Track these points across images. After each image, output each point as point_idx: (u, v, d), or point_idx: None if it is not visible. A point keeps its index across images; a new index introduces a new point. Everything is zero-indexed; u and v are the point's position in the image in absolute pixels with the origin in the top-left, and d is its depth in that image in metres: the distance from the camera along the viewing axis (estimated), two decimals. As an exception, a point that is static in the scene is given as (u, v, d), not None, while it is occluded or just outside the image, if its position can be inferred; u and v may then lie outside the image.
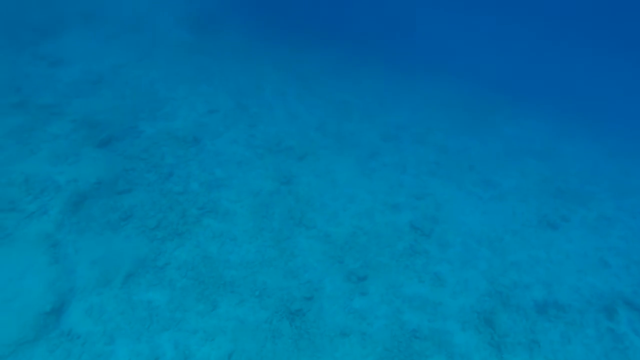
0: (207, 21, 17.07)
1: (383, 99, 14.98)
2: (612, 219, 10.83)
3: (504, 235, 9.43)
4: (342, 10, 25.92)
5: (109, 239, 7.45)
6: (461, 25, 29.24)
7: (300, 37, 19.32)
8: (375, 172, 10.81)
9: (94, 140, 9.35)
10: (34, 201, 7.46)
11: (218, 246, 7.80)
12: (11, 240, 6.59)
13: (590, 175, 12.87)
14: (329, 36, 20.89)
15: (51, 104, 10.06)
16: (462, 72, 20.17)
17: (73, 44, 12.96)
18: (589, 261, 9.09)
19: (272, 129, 11.37)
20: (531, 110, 16.75)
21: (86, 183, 8.21)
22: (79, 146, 9.04)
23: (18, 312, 5.70)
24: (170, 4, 17.41)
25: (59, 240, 6.90)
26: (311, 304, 6.96)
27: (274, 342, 6.18)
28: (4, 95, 9.96)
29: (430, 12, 29.48)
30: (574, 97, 20.08)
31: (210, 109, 11.35)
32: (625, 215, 11.10)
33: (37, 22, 13.18)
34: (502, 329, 6.97)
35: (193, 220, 8.29)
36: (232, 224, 8.42)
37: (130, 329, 5.98)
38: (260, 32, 17.93)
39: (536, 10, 34.40)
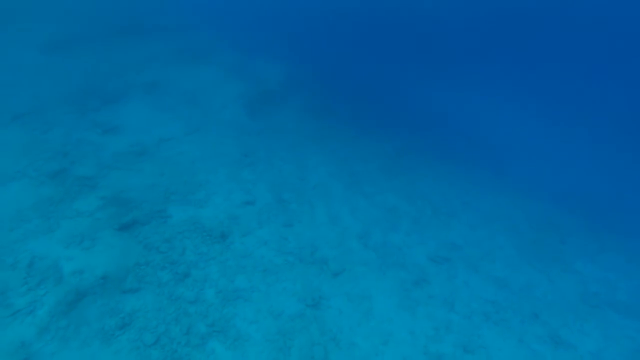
0: (264, 101, 17.38)
1: (437, 208, 13.74)
2: None
3: None
4: (400, 97, 26.09)
5: (94, 353, 6.42)
6: (529, 128, 28.22)
7: (355, 125, 19.13)
8: (419, 305, 9.27)
9: (117, 221, 8.82)
10: (27, 294, 6.73)
11: (216, 388, 6.49)
12: (-19, 347, 5.75)
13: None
14: (385, 124, 20.62)
15: (88, 175, 9.89)
16: (527, 181, 18.67)
17: (130, 113, 13.33)
18: None
19: (309, 232, 10.40)
20: (614, 243, 14.59)
21: (91, 276, 7.47)
22: (99, 228, 8.52)
23: None
24: (231, 81, 18.13)
25: (33, 353, 5.96)
26: None
27: None
28: (48, 161, 9.97)
29: (493, 108, 28.92)
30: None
31: (247, 200, 10.69)
32: None
33: (105, 90, 13.87)
34: None
35: (197, 341, 7.13)
36: (241, 353, 7.14)
37: None
38: (316, 117, 17.93)
39: (611, 112, 32.69)
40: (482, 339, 8.84)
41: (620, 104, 33.68)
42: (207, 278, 8.35)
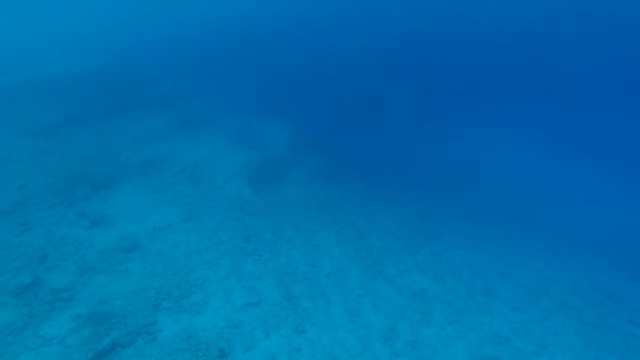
0: (270, 170, 16.41)
1: (471, 286, 12.02)
2: None
3: None
4: (417, 152, 25.03)
5: None
6: (557, 173, 26.54)
7: (371, 188, 17.90)
8: None
9: (92, 348, 7.40)
10: None
11: None
12: None
13: None
14: (404, 184, 19.35)
15: (64, 286, 8.64)
16: (566, 238, 16.80)
17: (123, 199, 12.36)
18: None
19: (325, 338, 8.79)
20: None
21: None
22: (69, 360, 7.09)
23: None
24: (234, 150, 17.33)
25: None
26: None
27: None
28: (18, 273, 8.78)
29: (519, 155, 27.48)
30: None
31: (250, 301, 9.23)
32: None
33: (96, 174, 13.03)
34: None
35: None
36: None
37: None
38: (326, 183, 16.80)
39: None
40: None
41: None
42: (199, 421, 6.73)
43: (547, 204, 20.29)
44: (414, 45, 41.13)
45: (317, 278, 10.54)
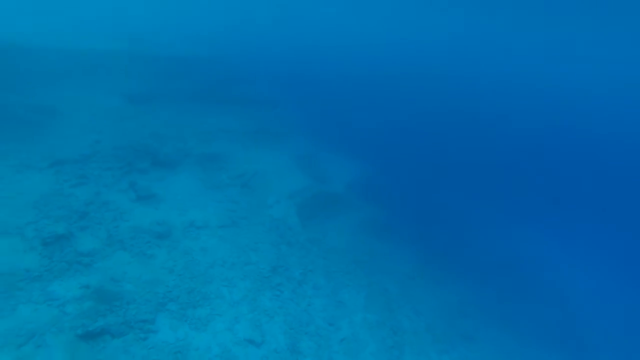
0: (323, 204, 15.96)
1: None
2: None
3: None
4: (473, 234, 23.20)
5: None
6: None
7: (416, 257, 16.65)
8: None
9: (85, 324, 7.14)
10: None
11: None
12: None
13: None
14: (451, 264, 17.80)
15: (88, 251, 8.64)
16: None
17: (175, 183, 12.53)
18: None
19: (314, 412, 7.80)
20: None
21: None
22: (58, 329, 6.88)
23: None
24: (295, 173, 17.12)
25: None
26: None
27: None
28: (56, 221, 8.98)
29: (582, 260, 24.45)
30: None
31: (252, 338, 8.58)
32: None
33: (160, 152, 13.41)
34: None
35: None
36: None
37: None
38: (373, 236, 15.98)
39: None
40: None
41: None
42: None
43: (600, 320, 17.54)
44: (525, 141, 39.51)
45: (330, 339, 9.62)
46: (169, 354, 7.51)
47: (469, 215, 25.82)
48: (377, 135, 31.52)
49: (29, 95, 13.92)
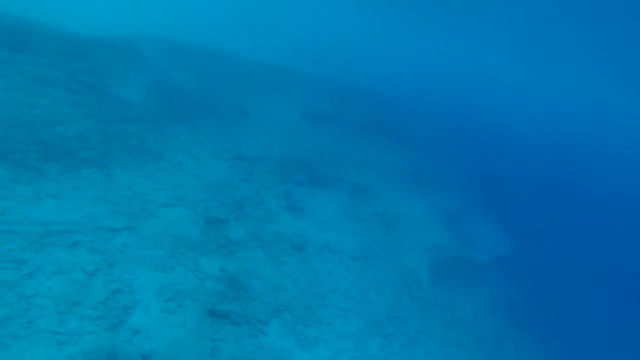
0: (460, 269, 14.66)
1: None
2: None
3: None
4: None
5: None
6: None
7: (542, 356, 13.81)
8: None
9: (214, 302, 7.92)
10: (82, 321, 6.28)
11: None
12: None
13: None
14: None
15: (235, 239, 9.67)
16: None
17: (320, 202, 13.19)
18: None
19: None
20: None
21: (140, 344, 6.56)
22: (194, 298, 7.78)
23: None
24: (439, 230, 16.19)
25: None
26: None
27: None
28: (220, 206, 10.35)
29: None
30: None
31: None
32: None
33: (318, 170, 14.36)
34: None
35: None
36: None
37: None
38: (506, 318, 13.99)
39: None
40: None
41: None
42: None
43: None
44: None
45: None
46: (272, 358, 7.72)
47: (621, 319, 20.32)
48: (533, 204, 27.72)
49: (233, 98, 16.73)
